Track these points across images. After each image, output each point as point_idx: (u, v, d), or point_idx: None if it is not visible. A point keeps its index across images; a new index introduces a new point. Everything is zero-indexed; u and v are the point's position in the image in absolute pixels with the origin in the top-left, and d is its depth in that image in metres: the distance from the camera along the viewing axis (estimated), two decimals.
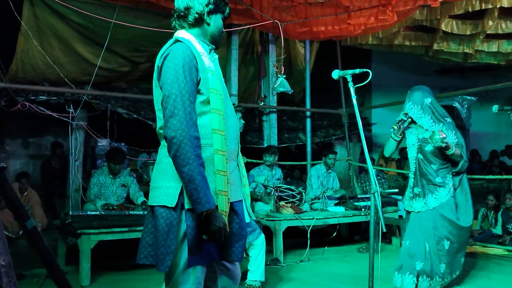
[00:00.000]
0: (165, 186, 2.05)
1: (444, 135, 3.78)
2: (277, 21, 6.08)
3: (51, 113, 6.55)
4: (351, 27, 6.20)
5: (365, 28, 6.21)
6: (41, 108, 6.54)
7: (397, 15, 5.95)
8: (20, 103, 6.30)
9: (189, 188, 1.94)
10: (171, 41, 2.14)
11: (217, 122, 2.07)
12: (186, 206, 2.01)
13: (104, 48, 6.00)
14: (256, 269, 4.17)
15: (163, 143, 2.11)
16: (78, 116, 6.80)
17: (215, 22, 2.22)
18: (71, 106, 6.73)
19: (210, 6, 2.18)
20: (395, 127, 4.13)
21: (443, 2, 5.89)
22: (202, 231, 1.99)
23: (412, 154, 4.21)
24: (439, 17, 6.97)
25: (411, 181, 4.22)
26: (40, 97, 6.56)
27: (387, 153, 4.41)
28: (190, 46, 2.09)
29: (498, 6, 6.56)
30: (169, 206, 2.01)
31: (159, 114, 2.10)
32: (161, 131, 2.06)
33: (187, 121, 1.96)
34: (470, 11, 6.60)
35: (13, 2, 5.27)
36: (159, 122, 2.10)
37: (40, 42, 6.04)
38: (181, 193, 2.02)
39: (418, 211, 4.10)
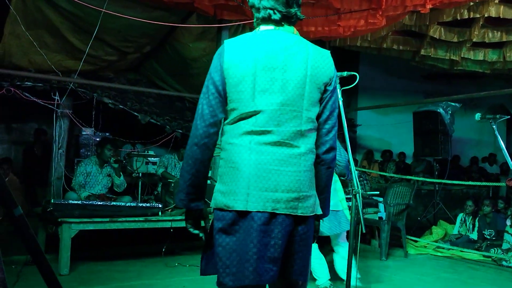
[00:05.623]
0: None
1: None
2: None
3: (36, 100, 6.49)
4: (340, 29, 6.24)
5: (355, 30, 6.25)
6: (26, 94, 6.47)
7: (387, 19, 6.01)
8: (5, 88, 6.22)
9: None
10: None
11: None
12: None
13: (93, 37, 5.94)
14: None
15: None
16: (63, 104, 6.74)
17: None
18: (57, 93, 6.68)
19: None
20: None
21: (432, 8, 5.96)
22: None
23: None
24: (427, 23, 7.05)
25: None
26: (26, 83, 6.48)
27: None
28: None
29: (485, 16, 6.67)
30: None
31: (308, 114, 1.89)
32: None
33: None
34: (459, 19, 6.70)
35: None
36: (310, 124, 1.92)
37: (28, 27, 5.96)
38: None
39: None
